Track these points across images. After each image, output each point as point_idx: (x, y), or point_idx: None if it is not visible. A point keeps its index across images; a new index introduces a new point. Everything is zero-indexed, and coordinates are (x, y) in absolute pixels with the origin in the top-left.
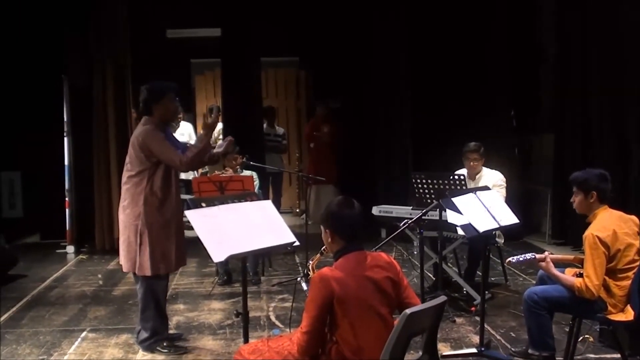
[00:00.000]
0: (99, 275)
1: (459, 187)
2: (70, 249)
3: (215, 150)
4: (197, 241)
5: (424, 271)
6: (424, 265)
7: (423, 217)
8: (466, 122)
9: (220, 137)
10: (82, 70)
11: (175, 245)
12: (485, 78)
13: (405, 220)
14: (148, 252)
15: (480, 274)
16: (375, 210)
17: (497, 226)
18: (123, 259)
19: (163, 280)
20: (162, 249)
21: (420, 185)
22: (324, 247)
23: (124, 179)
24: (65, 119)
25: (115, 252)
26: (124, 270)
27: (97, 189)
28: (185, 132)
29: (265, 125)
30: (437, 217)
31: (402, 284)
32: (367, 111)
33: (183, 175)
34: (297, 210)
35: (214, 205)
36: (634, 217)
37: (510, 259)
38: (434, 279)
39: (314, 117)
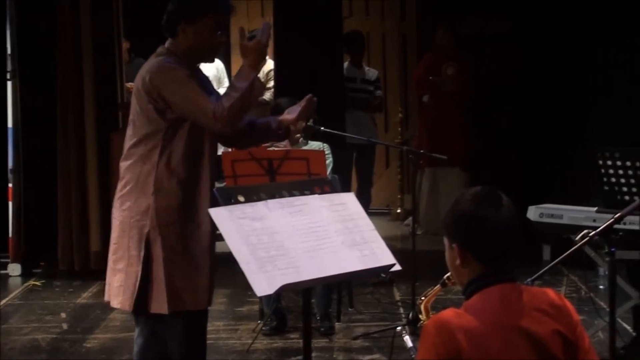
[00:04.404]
0: (63, 315)
1: None
2: (14, 269)
3: (283, 117)
4: (229, 260)
5: (616, 320)
6: (615, 310)
7: (616, 226)
8: None
9: (271, 83)
10: None
11: (210, 266)
12: None
13: (585, 231)
14: (162, 273)
15: None
16: (532, 213)
17: None
18: (115, 286)
19: (179, 324)
20: (188, 269)
21: (611, 171)
22: (447, 274)
23: (124, 150)
24: (8, 50)
25: (91, 275)
26: (114, 305)
27: (62, 169)
28: (209, 73)
29: (346, 64)
30: None
31: (580, 343)
32: (525, 41)
33: None
34: (399, 211)
35: (259, 200)
36: None
37: None
38: (634, 334)
39: (430, 51)
